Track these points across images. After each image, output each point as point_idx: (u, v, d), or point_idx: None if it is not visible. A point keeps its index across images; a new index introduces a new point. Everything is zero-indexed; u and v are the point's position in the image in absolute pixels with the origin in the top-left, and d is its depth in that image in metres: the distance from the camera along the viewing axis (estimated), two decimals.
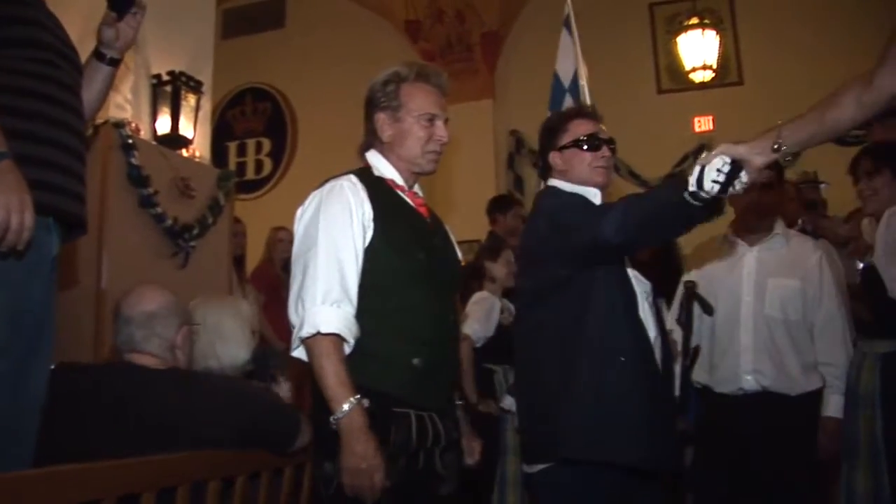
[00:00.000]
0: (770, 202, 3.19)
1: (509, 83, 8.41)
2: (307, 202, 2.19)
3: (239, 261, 5.09)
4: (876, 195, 3.02)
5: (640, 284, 2.45)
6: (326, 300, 2.01)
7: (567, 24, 4.78)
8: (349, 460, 1.94)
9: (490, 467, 3.92)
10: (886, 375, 2.86)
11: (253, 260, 5.79)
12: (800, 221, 4.78)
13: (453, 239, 2.42)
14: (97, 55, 2.28)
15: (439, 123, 2.26)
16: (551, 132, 2.64)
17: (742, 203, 3.17)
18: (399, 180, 2.26)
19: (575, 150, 2.55)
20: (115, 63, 2.30)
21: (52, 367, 2.09)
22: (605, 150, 2.54)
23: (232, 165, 9.10)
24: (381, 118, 2.26)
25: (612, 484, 2.27)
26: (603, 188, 2.55)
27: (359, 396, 1.97)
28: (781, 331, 3.03)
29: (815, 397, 3.01)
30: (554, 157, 2.61)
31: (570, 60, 4.65)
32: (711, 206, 1.95)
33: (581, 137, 2.55)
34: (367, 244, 2.11)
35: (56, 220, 1.99)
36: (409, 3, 8.57)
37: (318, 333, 1.99)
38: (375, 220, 2.12)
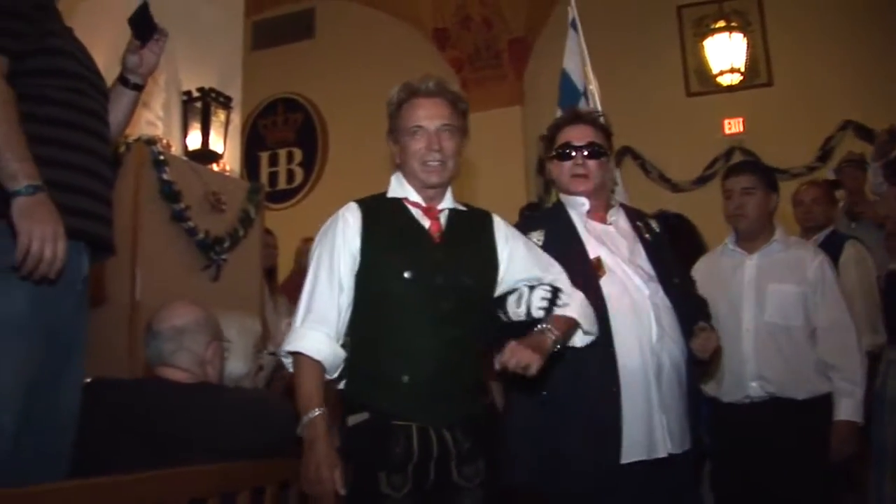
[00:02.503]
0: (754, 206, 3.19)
1: (537, 89, 8.37)
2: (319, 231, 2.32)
3: (270, 272, 5.15)
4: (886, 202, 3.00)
5: (643, 286, 2.49)
6: (304, 323, 2.18)
7: (574, 26, 4.75)
8: (304, 468, 2.06)
9: None
10: None
11: (284, 269, 5.86)
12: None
13: (498, 249, 2.36)
14: (122, 80, 2.37)
15: (430, 132, 2.27)
16: (548, 143, 2.72)
17: (728, 210, 3.22)
18: (415, 197, 2.31)
19: (556, 161, 2.63)
20: (138, 88, 2.40)
21: (87, 381, 2.17)
22: (577, 158, 2.59)
23: (264, 175, 9.21)
24: (391, 144, 2.36)
25: None
26: (587, 195, 2.61)
27: (322, 409, 2.08)
28: (783, 336, 3.02)
29: (823, 401, 2.98)
30: (549, 168, 2.72)
31: (579, 61, 4.62)
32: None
33: (556, 147, 2.64)
34: (356, 272, 2.22)
35: (86, 243, 2.08)
36: (437, 11, 8.62)
37: (287, 352, 2.17)
38: (363, 249, 2.22)
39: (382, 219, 2.27)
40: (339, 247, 2.22)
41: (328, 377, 2.19)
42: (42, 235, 1.83)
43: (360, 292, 2.22)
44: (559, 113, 4.02)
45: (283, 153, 9.52)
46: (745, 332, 3.07)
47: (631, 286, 2.48)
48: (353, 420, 2.18)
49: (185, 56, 4.45)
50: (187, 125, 4.43)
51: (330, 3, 9.52)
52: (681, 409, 2.47)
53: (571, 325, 2.28)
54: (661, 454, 2.38)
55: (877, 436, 3.00)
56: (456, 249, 2.28)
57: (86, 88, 2.12)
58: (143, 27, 2.28)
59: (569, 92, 4.29)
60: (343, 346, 2.21)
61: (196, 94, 4.45)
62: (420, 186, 2.31)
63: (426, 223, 2.29)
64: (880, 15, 7.12)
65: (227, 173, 4.60)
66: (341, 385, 2.25)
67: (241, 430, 2.18)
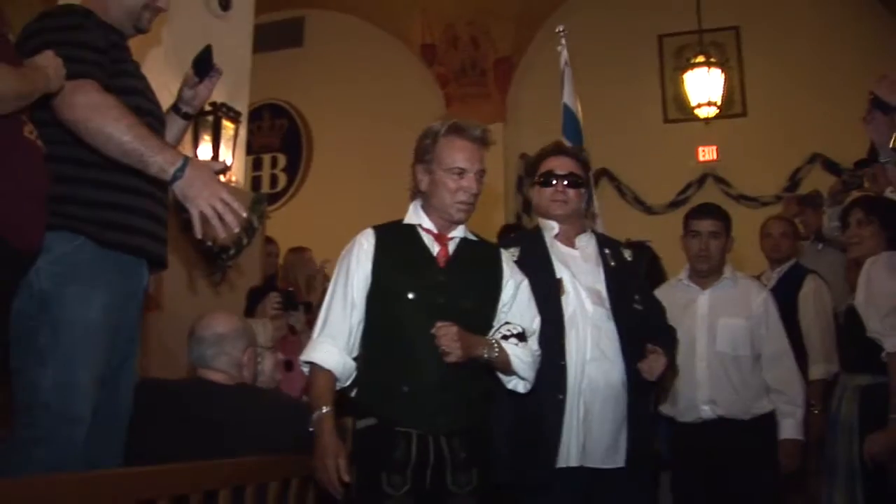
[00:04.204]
0: (717, 248, 3.47)
1: (519, 108, 8.66)
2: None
3: (271, 279, 5.37)
4: (861, 243, 3.34)
5: (590, 308, 2.75)
6: (319, 336, 2.46)
7: (568, 65, 5.00)
8: (314, 459, 2.34)
9: None
10: (864, 406, 3.18)
11: None
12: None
13: (503, 279, 2.57)
14: (174, 109, 2.63)
15: (470, 176, 2.48)
16: (531, 170, 3.02)
17: (693, 250, 3.48)
18: (428, 224, 2.53)
19: (538, 187, 2.93)
20: (188, 118, 2.67)
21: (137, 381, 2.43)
22: (559, 186, 2.86)
23: (247, 179, 9.33)
24: (419, 170, 2.55)
25: None
26: (561, 220, 2.88)
27: (329, 407, 2.36)
28: (732, 365, 3.33)
29: (766, 419, 3.32)
30: (530, 194, 3.02)
31: (574, 97, 4.88)
32: None
33: (539, 175, 2.91)
34: (367, 292, 2.47)
35: (146, 259, 2.35)
36: (425, 28, 8.81)
37: (303, 361, 2.47)
38: (374, 271, 2.47)
39: (395, 244, 2.52)
40: (354, 269, 2.48)
41: (340, 385, 2.45)
42: (205, 208, 2.07)
43: (370, 310, 2.47)
44: (564, 141, 4.33)
45: (267, 158, 9.59)
46: (698, 361, 3.36)
47: (580, 308, 2.74)
48: (361, 424, 2.45)
49: None
50: (198, 137, 4.66)
51: (320, 13, 9.63)
52: (615, 428, 2.71)
53: (508, 361, 2.48)
54: (571, 464, 2.65)
55: (829, 453, 3.33)
56: (460, 274, 2.51)
57: (153, 122, 2.39)
58: (204, 66, 2.55)
59: (572, 126, 4.56)
60: (355, 359, 2.47)
61: (208, 108, 4.65)
62: (440, 217, 2.52)
63: (435, 249, 2.51)
64: (851, 53, 7.46)
65: (234, 184, 4.83)
66: (353, 393, 2.50)
67: (277, 426, 2.45)
